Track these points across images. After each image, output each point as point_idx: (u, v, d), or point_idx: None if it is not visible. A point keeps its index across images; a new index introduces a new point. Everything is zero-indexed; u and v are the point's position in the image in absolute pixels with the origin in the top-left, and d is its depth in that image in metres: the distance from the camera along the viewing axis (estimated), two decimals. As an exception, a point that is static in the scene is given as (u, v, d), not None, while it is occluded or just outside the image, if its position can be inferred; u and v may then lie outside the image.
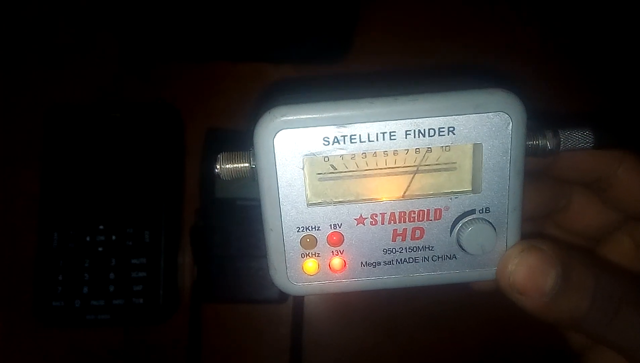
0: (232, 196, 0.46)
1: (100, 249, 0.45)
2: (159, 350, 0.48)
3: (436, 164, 0.23)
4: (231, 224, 0.45)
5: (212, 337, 0.47)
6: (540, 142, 0.23)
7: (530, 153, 0.23)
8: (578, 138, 0.23)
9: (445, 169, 0.23)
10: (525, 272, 0.22)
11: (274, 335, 0.48)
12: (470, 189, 0.23)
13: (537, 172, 0.25)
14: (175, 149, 0.48)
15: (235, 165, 0.23)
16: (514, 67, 0.51)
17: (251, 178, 0.23)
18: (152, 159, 0.46)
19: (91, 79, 0.50)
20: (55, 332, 0.47)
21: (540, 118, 0.24)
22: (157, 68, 0.50)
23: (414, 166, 0.23)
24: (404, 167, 0.23)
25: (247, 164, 0.23)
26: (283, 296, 0.44)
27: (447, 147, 0.22)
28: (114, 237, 0.45)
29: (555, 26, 0.51)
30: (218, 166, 0.23)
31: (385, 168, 0.23)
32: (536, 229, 0.30)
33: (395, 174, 0.23)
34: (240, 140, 0.48)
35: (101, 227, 0.45)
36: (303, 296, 0.45)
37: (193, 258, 0.46)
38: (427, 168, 0.23)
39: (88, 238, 0.45)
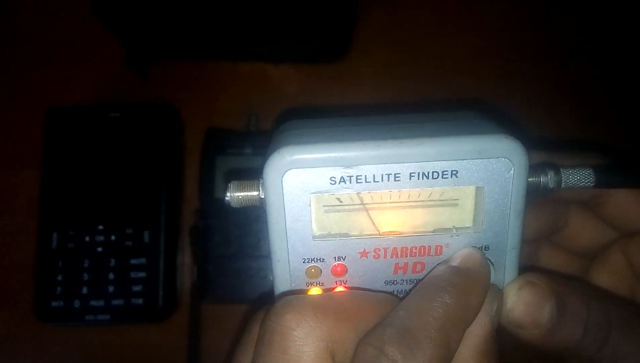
0: (232, 196, 0.45)
1: (99, 249, 0.45)
2: (159, 350, 0.47)
3: (439, 200, 0.24)
4: (231, 224, 0.45)
5: (212, 337, 0.47)
6: (542, 180, 0.24)
7: (532, 190, 0.24)
8: (579, 177, 0.24)
9: (448, 205, 0.24)
10: (522, 308, 0.24)
11: (273, 335, 0.47)
12: (472, 226, 0.24)
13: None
14: (174, 149, 0.48)
15: (245, 193, 0.24)
16: (519, 69, 0.50)
17: (260, 206, 0.24)
18: (152, 159, 0.46)
19: (91, 79, 0.50)
20: (55, 331, 0.47)
21: (540, 148, 0.25)
22: (157, 68, 0.50)
23: (418, 201, 0.24)
24: (407, 202, 0.24)
25: (256, 193, 0.24)
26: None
27: (448, 187, 0.23)
28: (113, 237, 0.45)
29: (562, 51, 0.52)
30: (229, 194, 0.24)
31: (390, 203, 0.24)
32: (533, 249, 0.31)
33: (399, 208, 0.24)
34: (240, 140, 0.47)
35: (100, 227, 0.45)
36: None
37: (193, 258, 0.46)
38: (430, 203, 0.24)
39: (87, 239, 0.45)
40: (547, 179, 0.24)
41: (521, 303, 0.23)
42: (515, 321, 0.23)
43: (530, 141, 0.23)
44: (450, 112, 0.26)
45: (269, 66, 0.51)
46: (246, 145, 0.46)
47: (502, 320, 0.24)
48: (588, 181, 0.24)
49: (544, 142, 0.26)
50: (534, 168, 0.23)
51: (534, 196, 0.24)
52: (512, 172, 0.22)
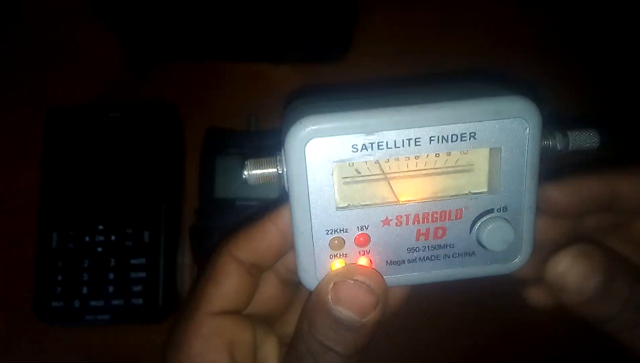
0: (232, 196, 0.45)
1: (99, 249, 0.45)
2: (159, 350, 0.47)
3: (455, 166, 0.24)
4: (231, 224, 0.44)
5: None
6: (550, 143, 0.25)
7: (542, 153, 0.24)
8: (584, 138, 0.25)
9: (464, 171, 0.25)
10: (573, 276, 0.24)
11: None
12: (487, 190, 0.25)
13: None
14: (174, 149, 0.48)
15: (263, 171, 0.24)
16: (518, 66, 0.50)
17: (277, 183, 0.24)
18: (152, 159, 0.47)
19: (91, 79, 0.50)
20: (54, 332, 0.47)
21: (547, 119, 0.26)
22: (157, 68, 0.50)
23: (435, 168, 0.24)
24: (424, 170, 0.24)
25: (274, 170, 0.24)
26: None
27: (465, 150, 0.24)
28: (113, 237, 0.45)
29: (561, 25, 0.52)
30: (246, 172, 0.24)
31: (408, 171, 0.24)
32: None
33: (417, 176, 0.24)
34: (240, 140, 0.47)
35: (100, 227, 0.45)
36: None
37: (193, 258, 0.46)
38: (446, 169, 0.24)
39: (87, 239, 0.45)
40: (556, 141, 0.24)
41: (573, 271, 0.24)
42: (563, 285, 0.24)
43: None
44: (460, 81, 0.27)
45: (269, 66, 0.51)
46: (246, 145, 0.46)
47: (551, 281, 0.25)
48: (593, 142, 0.25)
49: (549, 111, 0.26)
50: (543, 132, 0.24)
51: (544, 159, 0.24)
52: (527, 131, 0.23)
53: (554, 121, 0.26)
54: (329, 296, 0.24)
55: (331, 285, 0.24)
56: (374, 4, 0.51)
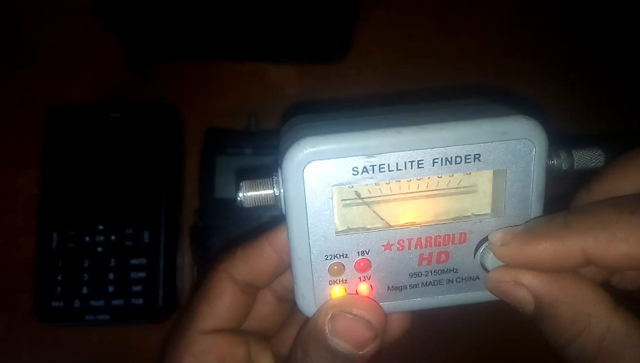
0: (232, 196, 0.45)
1: (99, 249, 0.45)
2: (159, 350, 0.47)
3: (458, 187, 0.23)
4: (231, 224, 0.45)
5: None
6: (555, 162, 0.24)
7: (547, 173, 0.23)
8: (589, 158, 0.24)
9: (467, 192, 0.24)
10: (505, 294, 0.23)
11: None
12: (490, 212, 0.24)
13: None
14: (174, 149, 0.48)
15: (258, 193, 0.23)
16: (518, 68, 0.50)
17: (274, 205, 0.23)
18: (152, 159, 0.46)
19: (91, 79, 0.50)
20: (54, 331, 0.47)
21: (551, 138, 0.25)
22: (157, 68, 0.49)
23: (437, 190, 0.23)
24: (426, 191, 0.23)
25: (270, 192, 0.23)
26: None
27: (469, 172, 0.23)
28: (113, 237, 0.45)
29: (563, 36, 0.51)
30: (241, 194, 0.23)
31: (408, 193, 0.23)
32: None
33: (419, 198, 0.23)
34: (240, 140, 0.47)
35: (100, 227, 0.45)
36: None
37: (193, 258, 0.46)
38: (449, 191, 0.23)
39: (87, 239, 0.45)
40: (561, 161, 0.23)
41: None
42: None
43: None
44: (462, 99, 0.26)
45: (269, 66, 0.50)
46: (246, 145, 0.46)
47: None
48: (598, 161, 0.24)
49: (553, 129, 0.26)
50: (548, 152, 0.23)
51: (548, 180, 0.23)
52: (533, 153, 0.22)
53: (557, 139, 0.25)
54: (326, 327, 0.23)
55: (329, 316, 0.23)
56: (375, 4, 0.51)
